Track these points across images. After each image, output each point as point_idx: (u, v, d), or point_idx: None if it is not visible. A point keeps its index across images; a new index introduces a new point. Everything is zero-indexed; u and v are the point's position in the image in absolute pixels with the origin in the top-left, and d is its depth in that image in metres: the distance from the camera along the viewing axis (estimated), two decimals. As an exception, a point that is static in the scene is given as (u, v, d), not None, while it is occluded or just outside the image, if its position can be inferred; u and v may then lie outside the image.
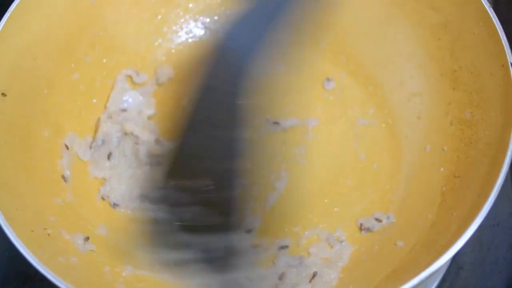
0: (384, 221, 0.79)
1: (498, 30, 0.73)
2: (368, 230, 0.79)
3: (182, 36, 0.95)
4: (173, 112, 0.78)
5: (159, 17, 0.93)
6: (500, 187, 0.65)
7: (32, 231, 0.69)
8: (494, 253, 0.83)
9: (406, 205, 0.79)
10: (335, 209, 0.82)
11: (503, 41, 0.72)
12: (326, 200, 0.83)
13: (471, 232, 0.63)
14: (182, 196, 0.72)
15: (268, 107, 0.84)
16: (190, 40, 0.95)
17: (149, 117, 0.89)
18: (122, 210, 0.82)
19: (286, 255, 0.78)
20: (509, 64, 0.71)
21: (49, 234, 0.71)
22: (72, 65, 0.85)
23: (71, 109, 0.84)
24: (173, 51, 0.94)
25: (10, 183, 0.70)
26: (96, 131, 0.85)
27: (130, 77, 0.90)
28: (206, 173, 0.71)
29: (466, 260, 0.82)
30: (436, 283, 0.80)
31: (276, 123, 0.87)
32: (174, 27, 0.94)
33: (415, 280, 0.61)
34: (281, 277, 0.75)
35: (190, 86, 0.75)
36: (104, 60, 0.89)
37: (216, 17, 0.95)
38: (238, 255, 0.74)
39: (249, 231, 0.78)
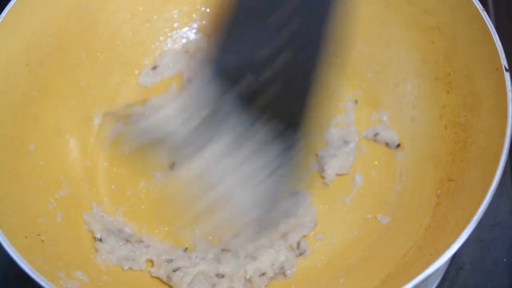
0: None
1: (492, 33, 0.72)
2: None
3: (177, 40, 0.95)
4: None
5: (153, 22, 0.93)
6: (495, 190, 0.65)
7: (26, 237, 0.69)
8: (494, 253, 0.82)
9: (401, 209, 0.79)
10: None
11: (496, 45, 0.71)
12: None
13: (466, 235, 0.63)
14: None
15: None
16: (184, 44, 0.95)
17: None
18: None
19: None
20: (503, 67, 0.70)
21: (42, 241, 0.71)
22: (65, 71, 0.85)
23: (64, 115, 0.84)
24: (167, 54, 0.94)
25: (3, 190, 0.71)
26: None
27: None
28: None
29: (466, 260, 0.82)
30: (436, 283, 0.80)
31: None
32: (167, 32, 0.94)
33: (410, 285, 0.61)
34: None
35: None
36: (98, 66, 0.89)
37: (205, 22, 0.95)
38: None
39: None
